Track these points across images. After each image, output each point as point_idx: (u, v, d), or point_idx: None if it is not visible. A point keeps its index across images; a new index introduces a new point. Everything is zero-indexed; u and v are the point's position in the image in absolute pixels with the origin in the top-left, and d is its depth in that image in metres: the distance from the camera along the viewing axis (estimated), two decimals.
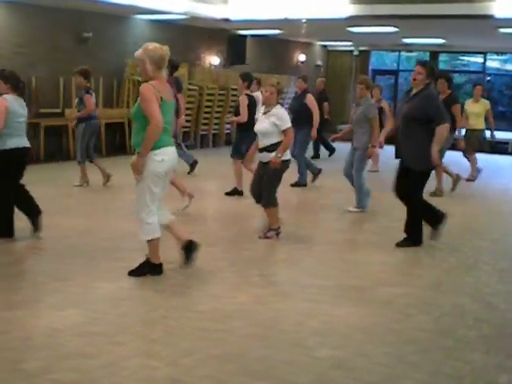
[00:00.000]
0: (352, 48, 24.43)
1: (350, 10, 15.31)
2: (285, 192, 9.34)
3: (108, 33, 15.99)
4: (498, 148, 19.52)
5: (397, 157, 7.71)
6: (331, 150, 16.73)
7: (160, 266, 6.24)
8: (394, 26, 16.61)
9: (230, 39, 19.78)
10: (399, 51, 25.24)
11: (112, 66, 15.58)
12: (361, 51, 24.64)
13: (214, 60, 19.43)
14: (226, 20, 17.05)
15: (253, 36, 20.27)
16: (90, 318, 5.10)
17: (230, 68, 19.52)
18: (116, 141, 16.06)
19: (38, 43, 14.41)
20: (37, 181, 9.00)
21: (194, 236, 7.80)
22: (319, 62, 24.81)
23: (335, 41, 23.29)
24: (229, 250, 7.40)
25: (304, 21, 16.52)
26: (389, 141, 8.52)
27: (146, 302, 5.56)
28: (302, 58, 23.48)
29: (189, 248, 6.37)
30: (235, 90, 16.98)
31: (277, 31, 19.10)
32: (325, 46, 25.07)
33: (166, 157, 5.97)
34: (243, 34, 19.79)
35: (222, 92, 18.19)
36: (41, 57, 14.36)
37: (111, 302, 5.49)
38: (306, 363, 4.44)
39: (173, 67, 12.65)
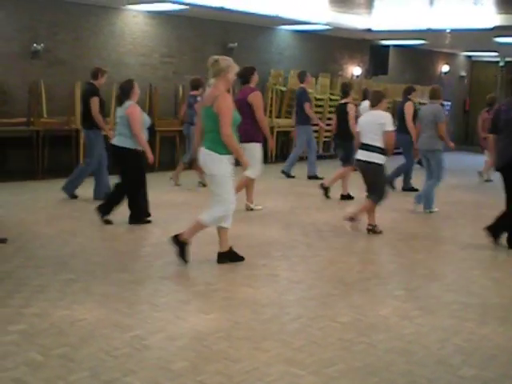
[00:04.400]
0: (498, 59, 23.73)
1: (497, 20, 14.92)
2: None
3: (252, 43, 16.31)
4: None
5: None
6: None
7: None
8: None
9: (372, 49, 19.69)
10: None
11: None
12: (507, 62, 23.89)
13: (356, 70, 19.39)
14: (369, 30, 17.01)
15: (395, 46, 20.09)
16: (234, 323, 5.21)
17: (373, 79, 19.44)
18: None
19: (185, 53, 14.89)
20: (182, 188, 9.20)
21: (334, 247, 7.81)
22: (463, 73, 24.25)
23: (480, 51, 22.69)
24: (372, 262, 7.35)
25: (448, 31, 16.24)
26: None
27: (289, 309, 5.60)
28: (445, 68, 23.03)
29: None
30: None
31: (420, 41, 18.85)
32: (469, 57, 24.48)
33: None
34: (386, 45, 19.65)
35: None
36: (187, 66, 14.83)
37: (255, 308, 5.58)
38: (449, 381, 4.35)
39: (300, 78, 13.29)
